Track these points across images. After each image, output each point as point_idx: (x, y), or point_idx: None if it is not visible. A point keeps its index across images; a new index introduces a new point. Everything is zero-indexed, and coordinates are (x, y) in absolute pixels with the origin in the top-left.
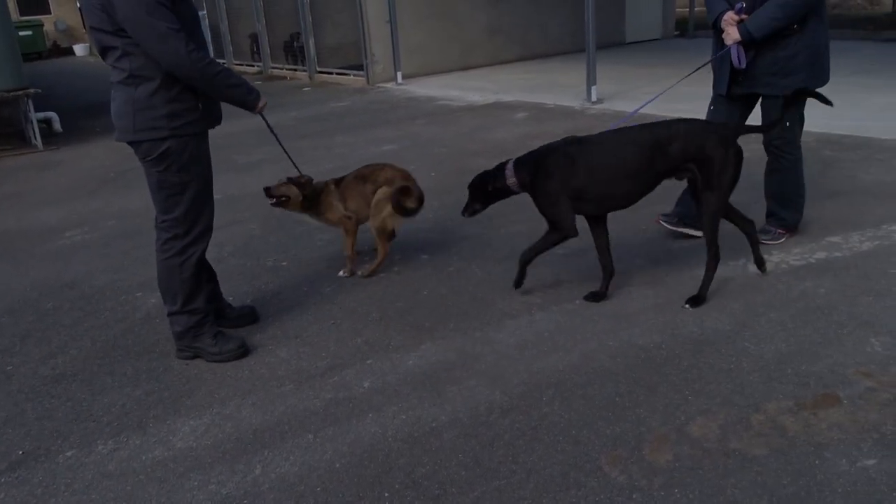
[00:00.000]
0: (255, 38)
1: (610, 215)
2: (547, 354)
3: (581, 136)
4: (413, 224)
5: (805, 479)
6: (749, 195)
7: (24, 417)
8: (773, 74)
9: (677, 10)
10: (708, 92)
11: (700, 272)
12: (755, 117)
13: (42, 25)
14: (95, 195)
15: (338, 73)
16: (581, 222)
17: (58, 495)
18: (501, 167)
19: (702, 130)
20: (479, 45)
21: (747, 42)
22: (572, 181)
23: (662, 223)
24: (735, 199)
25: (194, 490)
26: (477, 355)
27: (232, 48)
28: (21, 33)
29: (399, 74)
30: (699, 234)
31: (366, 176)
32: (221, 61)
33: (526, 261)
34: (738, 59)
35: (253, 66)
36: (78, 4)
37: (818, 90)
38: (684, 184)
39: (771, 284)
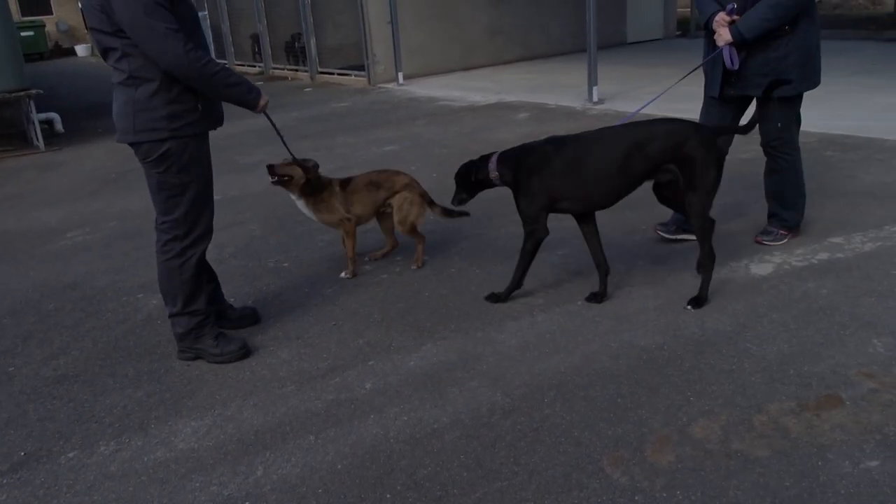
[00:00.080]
0: (256, 39)
1: (612, 216)
2: (548, 355)
3: (562, 136)
4: None
5: (808, 481)
6: (749, 195)
7: (26, 418)
8: (764, 75)
9: (679, 10)
10: None
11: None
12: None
13: (44, 26)
14: (97, 196)
15: (339, 74)
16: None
17: (59, 496)
18: (486, 159)
19: (682, 131)
20: (481, 46)
21: (739, 43)
22: (551, 180)
23: (660, 234)
24: (735, 199)
25: (196, 491)
26: (478, 356)
27: (233, 49)
28: (23, 34)
29: (400, 75)
30: None
31: (379, 183)
32: (223, 62)
33: (516, 282)
34: (731, 60)
35: (254, 66)
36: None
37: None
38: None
39: (773, 285)
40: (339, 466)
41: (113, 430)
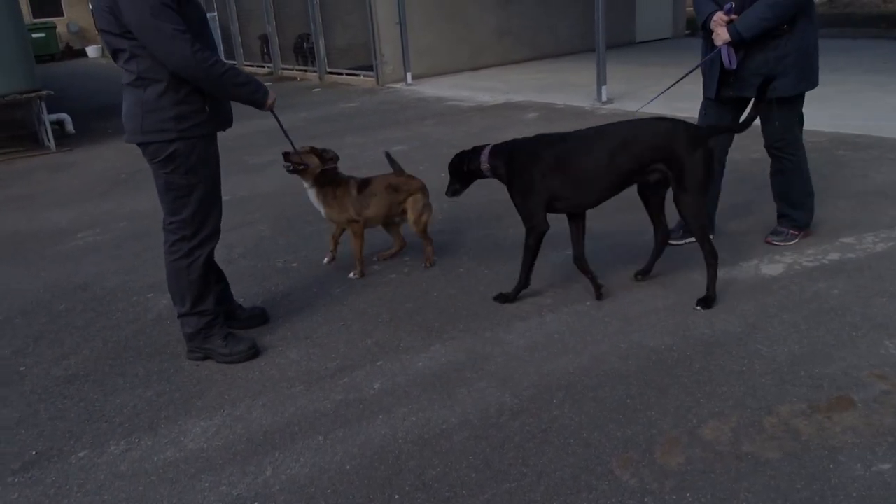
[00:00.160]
0: (265, 40)
1: (620, 216)
2: (557, 356)
3: (551, 133)
4: None
5: (819, 484)
6: (759, 195)
7: (38, 418)
8: (762, 76)
9: (688, 9)
10: None
11: None
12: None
13: (55, 27)
14: (107, 196)
15: (348, 74)
16: (602, 220)
17: (70, 496)
18: (478, 150)
19: (670, 130)
20: (489, 46)
21: (737, 42)
22: (543, 176)
23: (671, 242)
24: (745, 199)
25: (205, 491)
26: (487, 356)
27: (242, 49)
28: (34, 35)
29: (409, 75)
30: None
31: (398, 186)
32: (232, 62)
33: (523, 281)
34: (729, 59)
35: (263, 67)
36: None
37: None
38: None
39: (783, 286)
40: (348, 467)
41: (123, 429)
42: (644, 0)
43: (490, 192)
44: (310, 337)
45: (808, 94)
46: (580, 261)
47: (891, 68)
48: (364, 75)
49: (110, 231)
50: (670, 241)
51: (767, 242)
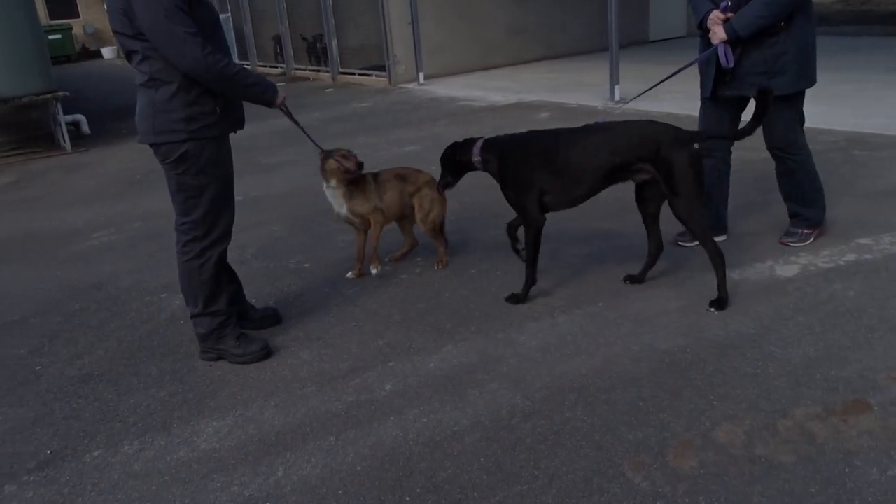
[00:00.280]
0: (278, 40)
1: (631, 217)
2: (569, 358)
3: (541, 130)
4: None
5: (834, 488)
6: (772, 196)
7: (53, 417)
8: (760, 74)
9: None
10: None
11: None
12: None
13: (71, 29)
14: (122, 197)
15: (360, 74)
16: (613, 221)
17: (84, 495)
18: (470, 142)
19: (657, 131)
20: (502, 45)
21: (733, 41)
22: (533, 172)
23: (680, 244)
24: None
25: (217, 491)
26: (499, 358)
27: (256, 50)
28: (51, 37)
29: (421, 75)
30: (722, 237)
31: (405, 176)
32: (246, 63)
33: (529, 277)
34: (726, 58)
35: (276, 67)
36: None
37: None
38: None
39: (798, 287)
40: (359, 468)
41: (136, 429)
42: None
43: (500, 193)
44: (322, 338)
45: (822, 93)
46: (510, 228)
47: None
48: (376, 75)
49: (125, 231)
50: (680, 243)
51: (782, 244)
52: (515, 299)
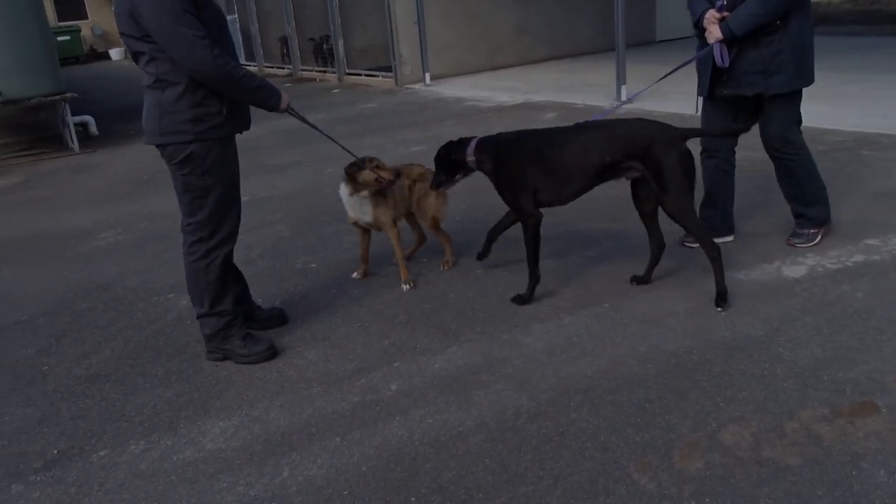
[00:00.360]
0: (284, 41)
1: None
2: (575, 359)
3: (533, 129)
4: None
5: (841, 490)
6: (778, 195)
7: (60, 417)
8: (757, 73)
9: None
10: None
11: (730, 273)
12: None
13: (79, 31)
14: (129, 197)
15: (366, 75)
16: (621, 222)
17: (91, 494)
18: (465, 141)
19: (646, 129)
20: (508, 45)
21: (729, 40)
22: (526, 170)
23: (686, 244)
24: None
25: (223, 491)
26: (504, 359)
27: (262, 51)
28: (59, 39)
29: (427, 75)
30: (729, 238)
31: (400, 171)
32: (252, 64)
33: (533, 276)
34: (721, 57)
35: (283, 68)
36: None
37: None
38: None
39: (806, 288)
40: (364, 468)
41: (143, 429)
42: None
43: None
44: (328, 338)
45: (830, 93)
46: (493, 231)
47: None
48: (383, 76)
49: (132, 231)
50: (687, 244)
51: (789, 245)
52: (521, 300)
